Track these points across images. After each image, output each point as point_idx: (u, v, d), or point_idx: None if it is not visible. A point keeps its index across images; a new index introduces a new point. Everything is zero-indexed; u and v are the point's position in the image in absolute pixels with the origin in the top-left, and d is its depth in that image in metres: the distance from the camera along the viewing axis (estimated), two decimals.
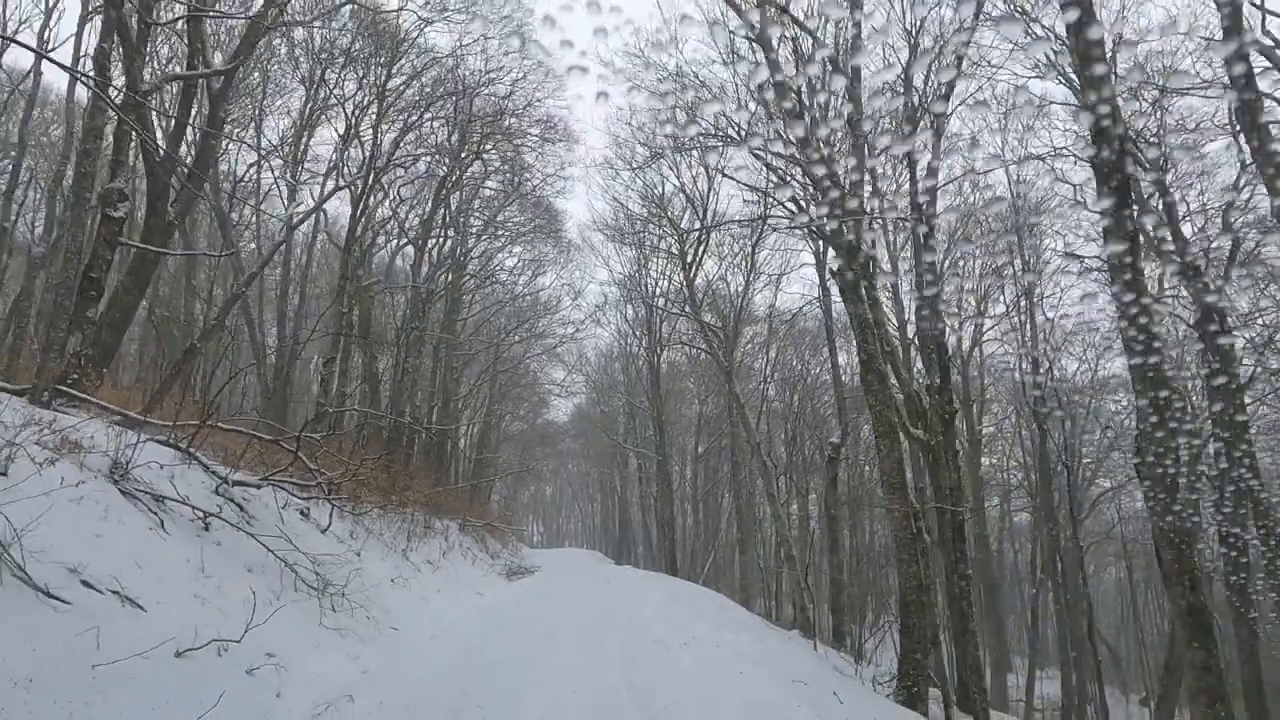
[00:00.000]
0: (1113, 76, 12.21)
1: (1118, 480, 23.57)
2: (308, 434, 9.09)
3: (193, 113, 12.23)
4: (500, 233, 25.43)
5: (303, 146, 20.29)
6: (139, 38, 9.27)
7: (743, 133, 14.39)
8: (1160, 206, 12.95)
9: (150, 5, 9.46)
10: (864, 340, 10.38)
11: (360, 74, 18.01)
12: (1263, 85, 10.55)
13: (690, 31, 20.38)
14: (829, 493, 21.10)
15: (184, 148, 14.04)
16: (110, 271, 9.01)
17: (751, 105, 14.36)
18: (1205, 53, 12.64)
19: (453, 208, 22.78)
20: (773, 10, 10.28)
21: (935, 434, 11.80)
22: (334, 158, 18.78)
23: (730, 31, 12.25)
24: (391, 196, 20.25)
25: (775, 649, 10.47)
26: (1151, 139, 13.33)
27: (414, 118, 18.35)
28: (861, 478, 28.61)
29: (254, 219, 21.10)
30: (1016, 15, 12.08)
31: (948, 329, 21.54)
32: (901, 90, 12.06)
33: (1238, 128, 11.43)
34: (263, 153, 19.26)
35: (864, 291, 10.85)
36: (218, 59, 15.10)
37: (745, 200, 22.50)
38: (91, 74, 9.41)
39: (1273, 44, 10.59)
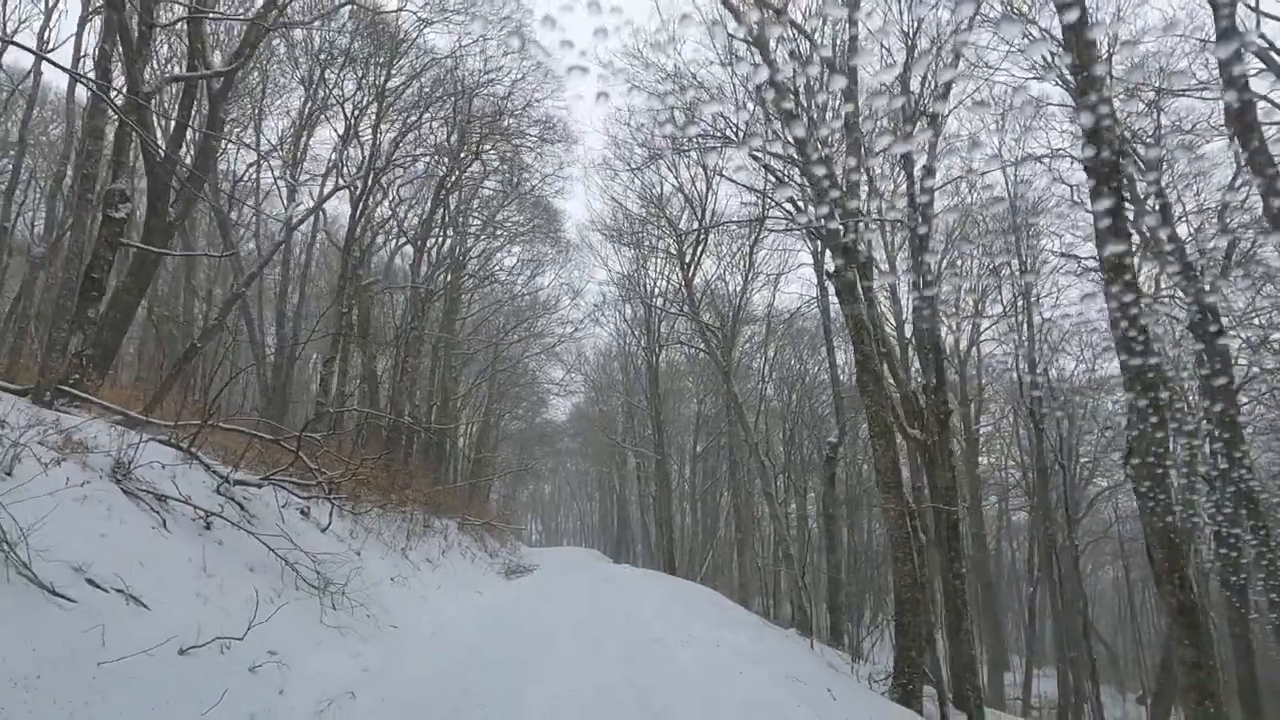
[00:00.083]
0: (1109, 77, 12.29)
1: (1115, 480, 23.66)
2: (308, 434, 9.15)
3: (192, 113, 12.28)
4: (499, 232, 25.50)
5: (302, 147, 20.34)
6: (140, 39, 9.31)
7: (741, 134, 14.46)
8: (1156, 207, 13.02)
9: (151, 7, 9.50)
10: (860, 341, 10.44)
11: (359, 74, 18.04)
12: (1260, 87, 10.64)
13: (689, 32, 20.43)
14: (827, 492, 21.19)
15: (184, 148, 14.07)
16: (110, 272, 9.05)
17: (750, 106, 14.44)
18: (1201, 54, 12.72)
19: (452, 207, 22.83)
20: (770, 13, 10.33)
21: (931, 434, 11.87)
22: (333, 158, 18.85)
23: (729, 34, 12.30)
24: (391, 196, 20.30)
25: (773, 648, 10.53)
26: (1148, 140, 13.41)
27: (413, 118, 18.39)
28: (859, 477, 28.71)
29: (253, 219, 21.13)
30: (1014, 16, 12.16)
31: (945, 329, 21.65)
32: (899, 91, 12.13)
33: (1233, 129, 11.51)
34: (262, 153, 19.29)
35: (861, 292, 10.91)
36: (217, 59, 15.15)
37: (744, 202, 22.55)
38: (92, 76, 9.46)
39: (1267, 46, 10.65)
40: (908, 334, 17.68)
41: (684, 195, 23.18)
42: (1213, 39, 11.48)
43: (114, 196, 8.47)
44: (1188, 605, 6.51)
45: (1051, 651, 26.13)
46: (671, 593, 14.63)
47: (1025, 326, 20.44)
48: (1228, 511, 9.79)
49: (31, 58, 17.11)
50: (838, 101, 12.46)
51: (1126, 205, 13.16)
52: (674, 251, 23.75)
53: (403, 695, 5.46)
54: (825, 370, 25.03)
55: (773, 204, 18.12)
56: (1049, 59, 12.68)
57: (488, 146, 20.54)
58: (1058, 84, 13.43)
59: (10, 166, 17.34)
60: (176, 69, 16.23)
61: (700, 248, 23.26)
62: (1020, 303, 20.66)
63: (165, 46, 17.32)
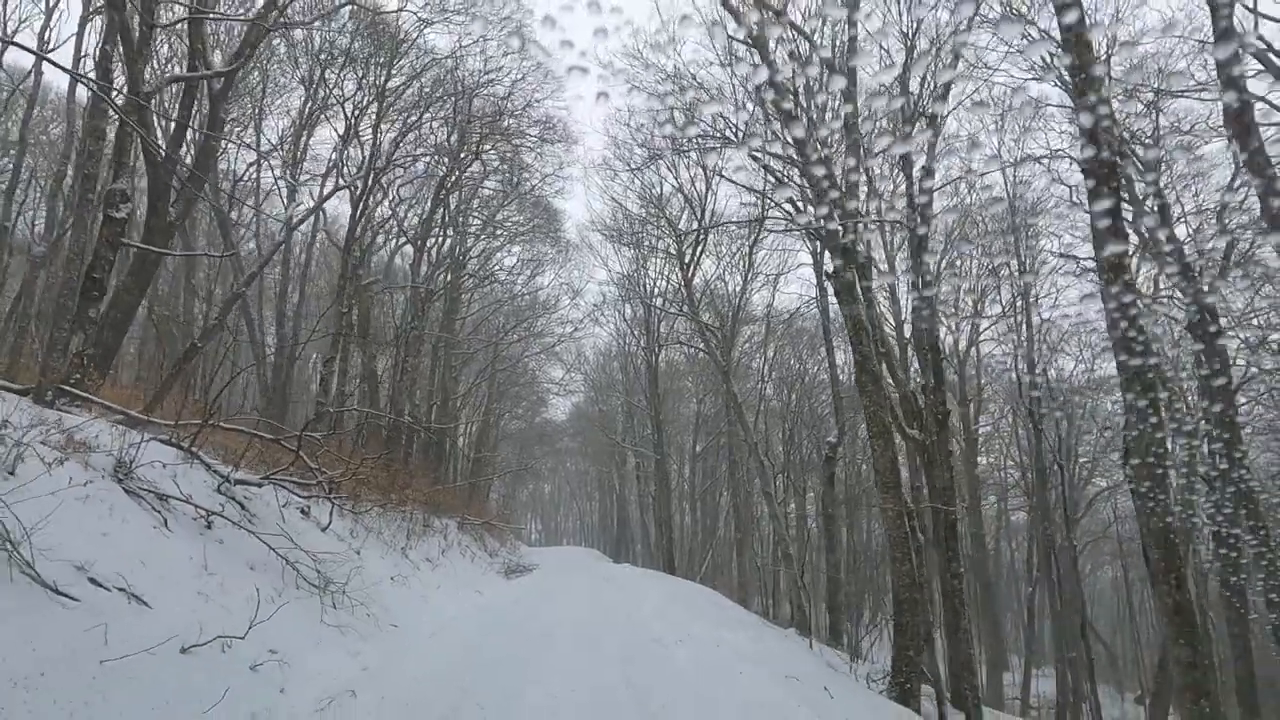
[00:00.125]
0: (1108, 78, 12.32)
1: (1114, 480, 23.69)
2: (308, 434, 9.17)
3: (193, 113, 12.30)
4: (499, 232, 25.54)
5: (302, 146, 20.37)
6: (140, 40, 9.34)
7: (740, 134, 14.49)
8: (1155, 208, 13.05)
9: (152, 8, 9.52)
10: (858, 342, 10.47)
11: (360, 74, 18.07)
12: (1259, 88, 10.67)
13: (689, 33, 20.46)
14: (826, 491, 21.23)
15: (184, 148, 14.10)
16: (111, 272, 9.08)
17: (750, 107, 14.47)
18: (1200, 55, 12.74)
19: (452, 207, 22.86)
20: (769, 14, 10.36)
21: (929, 434, 11.90)
22: (333, 157, 18.87)
23: (729, 36, 12.33)
24: (391, 196, 20.33)
25: (772, 647, 10.56)
26: (1147, 140, 13.44)
27: (413, 118, 18.42)
28: (859, 477, 28.74)
29: (253, 219, 21.16)
30: (1013, 17, 12.18)
31: (944, 329, 21.67)
32: (898, 92, 12.16)
33: (1231, 130, 11.53)
34: (262, 153, 19.31)
35: (859, 293, 10.94)
36: (217, 58, 15.18)
37: (743, 203, 22.59)
38: (93, 76, 9.49)
39: (1265, 47, 10.68)
40: (907, 334, 17.71)
41: (683, 195, 23.24)
42: (1211, 40, 11.51)
43: (115, 196, 8.49)
44: (1183, 605, 6.55)
45: (1050, 651, 26.17)
46: (671, 592, 14.66)
47: (1024, 327, 20.49)
48: (1228, 511, 9.82)
49: (32, 57, 17.12)
50: (837, 102, 12.49)
51: (1125, 206, 13.22)
52: (673, 251, 23.78)
53: (402, 694, 5.49)
54: (824, 370, 25.09)
55: (772, 204, 18.17)
56: (1048, 60, 12.72)
57: (488, 146, 20.58)
58: (1056, 85, 13.48)
59: (11, 166, 17.37)
60: (177, 69, 16.26)
61: (700, 248, 23.30)
62: (1019, 303, 20.72)
63: (165, 46, 17.35)
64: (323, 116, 19.67)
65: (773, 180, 15.73)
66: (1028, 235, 18.65)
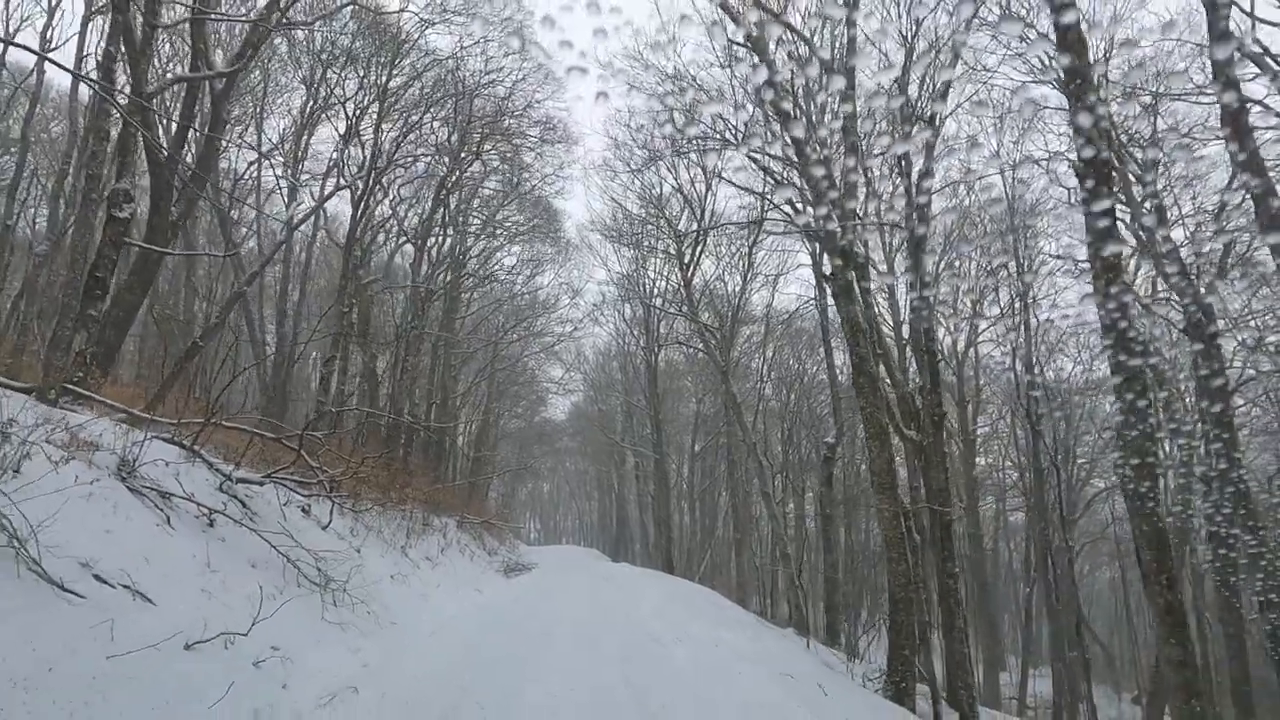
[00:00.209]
0: (1104, 80, 12.39)
1: (1112, 481, 23.74)
2: (309, 433, 9.23)
3: (195, 113, 12.36)
4: (499, 232, 25.61)
5: (303, 146, 20.42)
6: (143, 41, 9.39)
7: (740, 135, 14.55)
8: (1152, 208, 13.10)
9: (155, 9, 9.57)
10: (856, 344, 10.53)
11: (361, 74, 18.13)
12: (1257, 91, 10.73)
13: (688, 34, 20.52)
14: (824, 492, 21.30)
15: (186, 147, 14.14)
16: (114, 271, 9.13)
17: (749, 108, 14.53)
18: (1199, 58, 12.79)
19: (452, 207, 22.92)
20: (767, 16, 10.41)
21: (927, 435, 11.96)
22: (334, 157, 18.92)
23: (729, 39, 12.38)
24: (391, 196, 20.39)
25: (769, 647, 10.62)
26: (1144, 142, 13.49)
27: (414, 118, 18.48)
28: (857, 477, 28.79)
29: (254, 218, 21.21)
30: (1011, 17, 12.25)
31: (943, 330, 21.72)
32: (897, 92, 12.21)
33: (1228, 131, 11.58)
34: (263, 152, 19.37)
35: (858, 295, 11.00)
36: (219, 57, 15.22)
37: (740, 205, 22.66)
38: (96, 76, 9.54)
39: (1262, 51, 10.73)
40: (906, 335, 17.77)
41: (683, 196, 23.31)
42: (1209, 43, 11.56)
43: (119, 196, 8.55)
44: (1175, 605, 6.62)
45: (1047, 652, 26.22)
46: (669, 592, 14.71)
47: (1023, 328, 20.55)
48: (1226, 511, 9.88)
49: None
50: (836, 102, 12.55)
51: (1123, 208, 13.28)
52: (673, 252, 23.85)
53: (403, 692, 5.54)
54: (823, 370, 25.14)
55: (771, 205, 18.22)
56: (1046, 61, 12.77)
57: (488, 147, 20.65)
58: (1054, 86, 13.53)
59: (13, 164, 17.42)
60: (179, 68, 16.32)
61: (699, 248, 23.37)
62: (1018, 304, 20.77)
63: (167, 45, 17.39)
64: (324, 116, 19.75)
65: (772, 181, 15.79)
66: (1027, 236, 18.73)
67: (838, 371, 22.32)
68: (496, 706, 5.44)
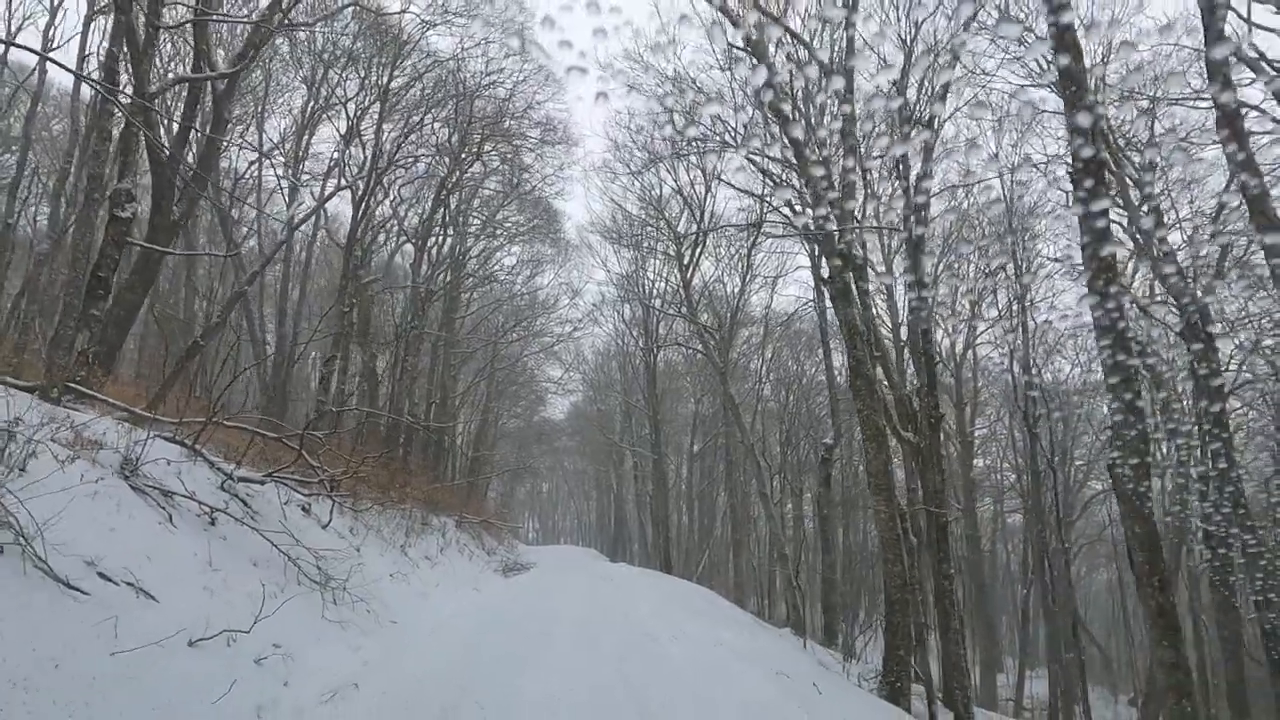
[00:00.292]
0: (1101, 83, 12.46)
1: (1109, 483, 23.77)
2: (310, 432, 9.28)
3: (196, 113, 12.41)
4: (499, 232, 25.67)
5: (304, 146, 20.47)
6: (146, 41, 9.44)
7: (739, 137, 14.61)
8: (1148, 210, 13.16)
9: (157, 10, 9.62)
10: (853, 346, 10.59)
11: (362, 75, 18.19)
12: (1253, 96, 10.79)
13: (688, 35, 20.60)
14: (822, 493, 21.36)
15: (187, 147, 14.19)
16: (116, 270, 9.18)
17: (749, 109, 14.59)
18: (1197, 61, 12.85)
19: (452, 207, 22.98)
20: (766, 19, 10.47)
21: (923, 436, 12.02)
22: (335, 157, 18.98)
23: (729, 42, 12.44)
24: (392, 196, 20.44)
25: (767, 646, 10.67)
26: (1141, 146, 13.55)
27: (415, 118, 18.54)
28: (855, 478, 28.84)
29: (255, 217, 21.25)
30: (1009, 19, 12.30)
31: (941, 332, 21.77)
32: (896, 95, 12.27)
33: (1225, 133, 11.64)
34: (264, 152, 19.42)
35: (855, 297, 11.06)
36: (220, 57, 15.27)
37: (739, 208, 22.72)
38: (98, 77, 9.59)
39: (1258, 56, 10.79)
40: (904, 337, 17.83)
41: (683, 198, 23.36)
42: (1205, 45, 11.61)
43: (121, 196, 8.60)
44: (1167, 607, 6.67)
45: (1044, 653, 26.29)
46: (667, 592, 14.76)
47: (1021, 330, 20.62)
48: (1225, 512, 9.93)
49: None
50: (835, 104, 12.60)
51: (1121, 211, 13.34)
52: (672, 253, 23.91)
53: (403, 690, 5.59)
54: (822, 372, 25.19)
55: (770, 207, 18.27)
56: (1043, 64, 12.83)
57: (489, 147, 20.72)
58: (1052, 89, 13.59)
59: (14, 162, 17.46)
60: (180, 67, 16.37)
61: (699, 250, 23.42)
62: (1016, 306, 20.82)
63: (169, 45, 17.44)
64: (325, 116, 19.80)
65: (771, 183, 15.84)
66: (1025, 238, 18.78)
67: (836, 373, 22.38)
68: (496, 705, 5.49)
